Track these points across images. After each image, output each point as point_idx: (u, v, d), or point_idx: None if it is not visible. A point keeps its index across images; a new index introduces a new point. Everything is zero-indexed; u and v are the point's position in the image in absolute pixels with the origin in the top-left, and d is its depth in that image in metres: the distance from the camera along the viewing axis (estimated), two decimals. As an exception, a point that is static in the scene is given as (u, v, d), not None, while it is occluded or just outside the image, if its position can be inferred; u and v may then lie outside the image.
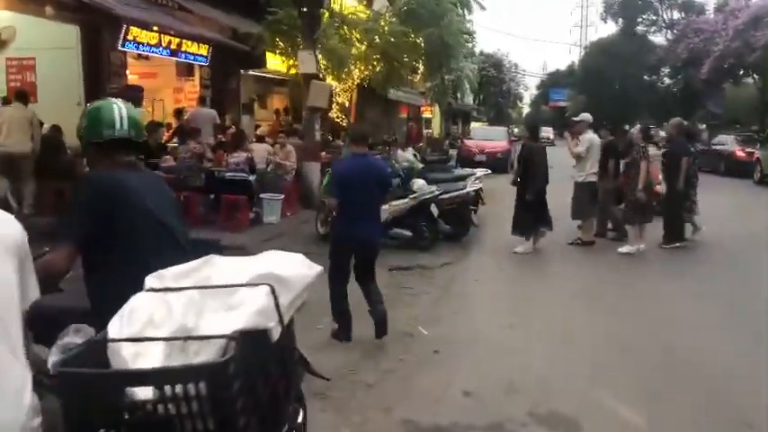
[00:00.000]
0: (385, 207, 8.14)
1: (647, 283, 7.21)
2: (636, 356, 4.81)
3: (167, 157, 8.92)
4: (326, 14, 10.87)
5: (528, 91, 67.85)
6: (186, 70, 14.00)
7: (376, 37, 11.34)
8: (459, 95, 13.85)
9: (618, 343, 5.10)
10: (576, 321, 5.69)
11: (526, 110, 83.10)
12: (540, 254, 8.43)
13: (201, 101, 13.67)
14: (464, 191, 8.82)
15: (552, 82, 61.28)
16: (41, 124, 9.14)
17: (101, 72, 10.97)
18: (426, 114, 33.12)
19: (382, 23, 11.69)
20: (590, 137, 8.89)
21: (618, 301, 6.43)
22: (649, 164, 8.28)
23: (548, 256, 8.48)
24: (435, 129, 35.85)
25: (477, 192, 9.93)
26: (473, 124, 38.90)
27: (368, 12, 12.70)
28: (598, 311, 6.03)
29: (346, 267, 4.91)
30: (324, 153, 11.49)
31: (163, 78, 14.14)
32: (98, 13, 10.27)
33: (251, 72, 15.15)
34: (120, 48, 10.96)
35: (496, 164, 18.86)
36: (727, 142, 22.37)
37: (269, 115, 16.44)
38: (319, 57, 10.98)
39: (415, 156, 10.69)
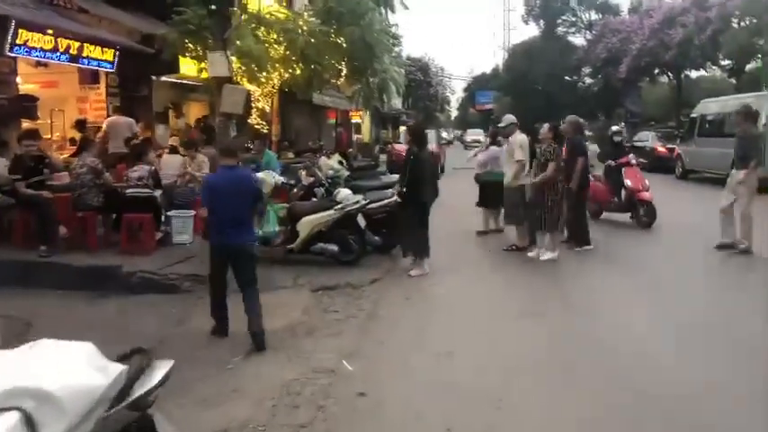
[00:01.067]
0: (308, 219, 7.51)
1: (585, 292, 6.85)
2: (594, 392, 4.33)
3: (62, 174, 7.88)
4: (238, 14, 10.07)
5: (455, 95, 68.56)
6: (90, 78, 12.83)
7: (297, 36, 10.60)
8: (385, 99, 13.29)
9: (570, 373, 4.60)
10: (521, 344, 5.18)
11: (455, 113, 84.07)
12: (471, 263, 7.95)
13: (117, 109, 12.62)
14: (393, 199, 8.23)
15: (478, 85, 62.05)
16: None
17: (-16, 82, 9.76)
18: (355, 119, 32.56)
19: (301, 23, 10.97)
20: (521, 138, 8.53)
21: (562, 316, 5.99)
22: (559, 165, 7.98)
23: (482, 265, 8.03)
24: (365, 134, 35.33)
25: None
26: (402, 128, 38.61)
27: (287, 12, 11.96)
28: (542, 330, 5.56)
29: (222, 274, 5.34)
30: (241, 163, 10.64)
31: (65, 87, 12.90)
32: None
33: (164, 78, 14.11)
34: (8, 53, 9.78)
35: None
36: (648, 139, 22.90)
37: (184, 124, 15.40)
38: (233, 59, 10.16)
39: (341, 163, 10.04)
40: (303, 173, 9.01)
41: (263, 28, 10.82)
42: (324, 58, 10.85)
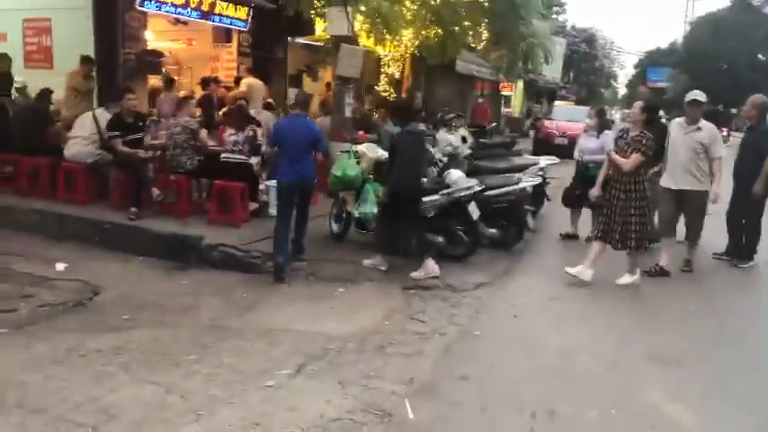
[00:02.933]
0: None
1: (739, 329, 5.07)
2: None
3: (161, 132, 7.46)
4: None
5: (624, 70, 62.79)
6: (224, 36, 12.61)
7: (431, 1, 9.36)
8: (530, 66, 11.56)
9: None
10: (653, 410, 3.72)
11: (622, 90, 77.54)
12: (605, 281, 6.32)
13: (248, 70, 12.32)
14: (518, 186, 6.85)
15: (651, 61, 56.22)
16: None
17: (114, 35, 9.68)
18: (506, 92, 30.53)
19: (437, -23, 9.69)
20: (710, 127, 6.51)
21: (703, 366, 4.37)
22: (648, 157, 5.90)
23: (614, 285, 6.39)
24: (516, 107, 33.17)
25: (540, 186, 7.92)
26: (556, 103, 35.79)
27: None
28: (679, 384, 4.02)
29: (290, 207, 6.06)
30: (361, 132, 9.74)
31: (200, 46, 12.83)
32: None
33: (299, 40, 13.57)
34: (137, 7, 9.62)
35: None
36: None
37: (321, 88, 14.83)
38: (359, 18, 9.20)
39: (464, 139, 8.72)
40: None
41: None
42: (461, 19, 9.49)
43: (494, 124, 18.28)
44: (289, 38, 13.44)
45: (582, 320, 5.28)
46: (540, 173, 8.03)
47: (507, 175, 7.47)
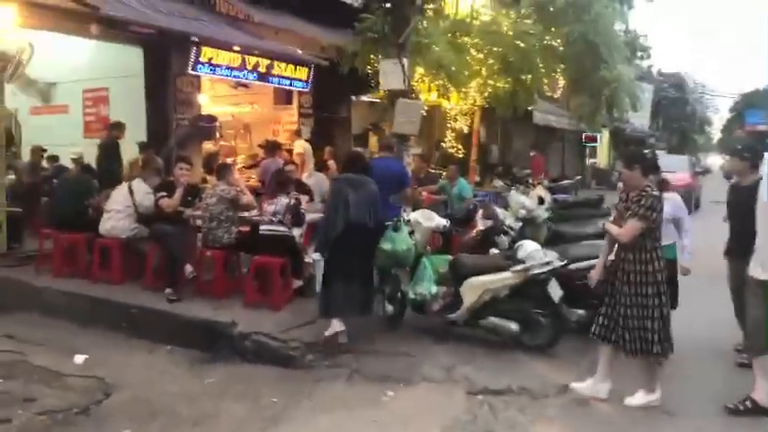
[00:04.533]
0: (475, 281, 5.30)
1: None
2: None
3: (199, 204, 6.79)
4: (428, 13, 8.28)
5: (718, 114, 59.23)
6: (284, 98, 12.25)
7: (498, 40, 8.45)
8: (616, 114, 10.27)
9: None
10: None
11: (717, 135, 73.07)
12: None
13: (312, 132, 11.88)
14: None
15: (748, 103, 52.60)
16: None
17: (165, 101, 9.40)
18: (590, 143, 28.91)
19: (505, 24, 8.78)
20: None
21: None
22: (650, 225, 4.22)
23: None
24: (602, 158, 31.36)
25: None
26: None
27: (491, 12, 9.86)
28: None
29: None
30: (425, 193, 8.80)
31: (261, 108, 12.53)
32: (163, 32, 8.69)
33: (363, 98, 13.01)
34: (190, 71, 9.32)
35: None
36: None
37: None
38: (419, 71, 8.40)
39: (541, 200, 7.53)
40: (480, 212, 6.79)
41: (457, 33, 8.89)
42: (532, 65, 8.50)
43: (577, 177, 16.92)
44: (353, 97, 12.94)
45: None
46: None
47: (595, 242, 6.21)
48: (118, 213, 6.66)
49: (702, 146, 58.84)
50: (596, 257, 5.43)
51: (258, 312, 5.95)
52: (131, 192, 6.70)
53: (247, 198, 6.53)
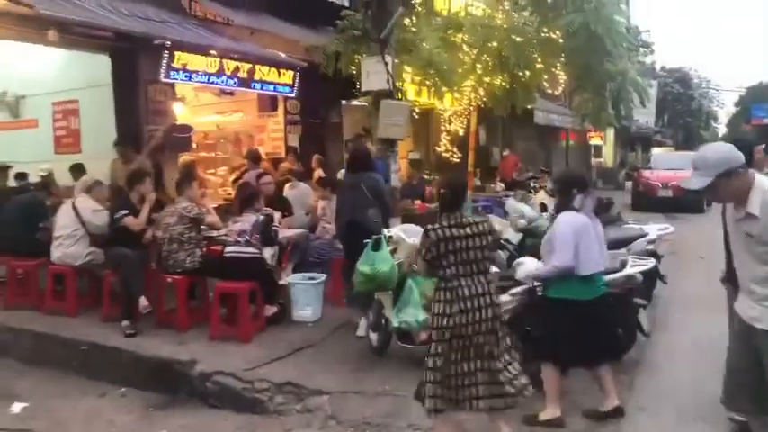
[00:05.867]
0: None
1: None
2: None
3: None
4: (418, 9, 7.57)
5: (724, 108, 58.10)
6: (269, 104, 11.54)
7: (491, 34, 7.74)
8: (622, 111, 9.52)
9: None
10: None
11: (722, 130, 72.01)
12: None
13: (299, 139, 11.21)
14: (621, 274, 4.87)
15: (754, 97, 51.61)
16: None
17: (136, 111, 8.71)
18: (595, 141, 28.12)
19: (498, 17, 8.06)
20: None
21: None
22: None
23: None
24: (607, 157, 30.53)
25: (654, 269, 5.78)
26: (654, 150, 32.75)
27: (482, 7, 9.14)
28: None
29: None
30: (418, 202, 8.08)
31: (246, 116, 11.83)
32: (124, 36, 8.02)
33: (354, 102, 12.28)
34: (163, 78, 8.62)
35: (687, 203, 14.12)
36: None
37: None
38: (408, 71, 7.70)
39: (543, 207, 6.74)
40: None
41: (450, 30, 8.17)
42: (530, 61, 7.77)
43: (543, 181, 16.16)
44: (343, 101, 12.23)
45: None
46: (650, 247, 5.98)
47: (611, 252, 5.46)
48: (67, 240, 5.93)
49: (709, 141, 57.86)
50: (609, 275, 4.71)
51: (224, 347, 5.23)
52: (76, 211, 5.96)
53: (212, 217, 5.83)
